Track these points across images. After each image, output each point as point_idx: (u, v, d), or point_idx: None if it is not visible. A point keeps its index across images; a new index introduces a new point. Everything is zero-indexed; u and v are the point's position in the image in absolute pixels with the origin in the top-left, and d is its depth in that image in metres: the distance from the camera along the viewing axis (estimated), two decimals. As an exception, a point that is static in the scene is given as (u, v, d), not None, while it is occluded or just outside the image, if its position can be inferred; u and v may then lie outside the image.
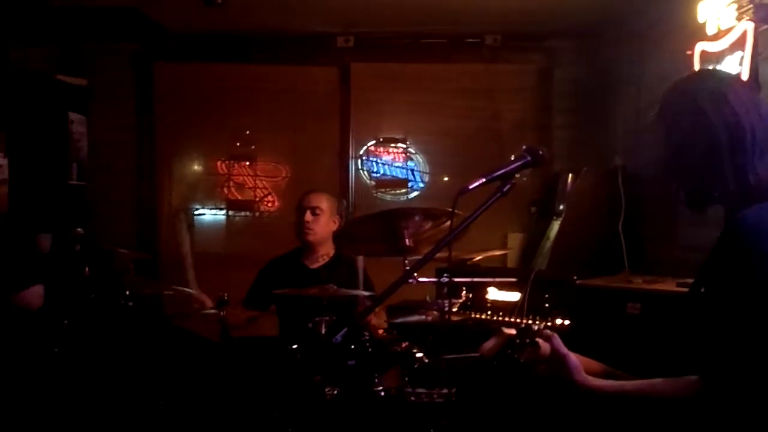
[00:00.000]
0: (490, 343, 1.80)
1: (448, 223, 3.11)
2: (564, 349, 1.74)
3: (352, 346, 2.95)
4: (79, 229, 4.13)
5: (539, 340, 1.73)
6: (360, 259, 3.53)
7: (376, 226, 3.12)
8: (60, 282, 4.25)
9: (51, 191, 5.13)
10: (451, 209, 2.14)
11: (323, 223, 3.73)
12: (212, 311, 3.30)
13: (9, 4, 4.60)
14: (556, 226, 4.83)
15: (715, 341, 1.56)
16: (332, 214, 3.78)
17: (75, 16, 5.05)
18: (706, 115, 1.69)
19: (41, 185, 4.99)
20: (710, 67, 3.40)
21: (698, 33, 3.60)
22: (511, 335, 1.75)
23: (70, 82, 5.48)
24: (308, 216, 3.71)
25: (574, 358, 1.74)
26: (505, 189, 2.03)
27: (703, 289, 1.65)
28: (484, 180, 2.03)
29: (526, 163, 2.07)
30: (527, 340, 1.72)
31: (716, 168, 1.68)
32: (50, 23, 5.19)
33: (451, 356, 2.75)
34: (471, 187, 2.00)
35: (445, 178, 5.85)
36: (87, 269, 3.76)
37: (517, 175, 2.06)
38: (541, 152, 2.09)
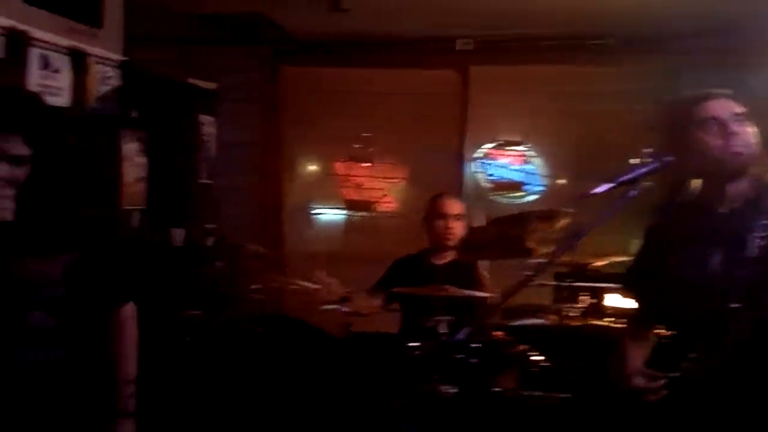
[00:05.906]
0: None
1: (564, 223, 3.12)
2: None
3: (472, 346, 2.99)
4: (211, 225, 4.31)
5: None
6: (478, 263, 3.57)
7: (495, 230, 3.14)
8: (192, 274, 4.50)
9: (183, 189, 5.41)
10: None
11: (462, 227, 3.83)
12: (334, 306, 3.40)
13: (146, 11, 4.87)
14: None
15: None
16: (465, 217, 3.89)
17: (206, 21, 5.32)
18: None
19: (174, 183, 5.27)
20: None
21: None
22: None
23: (201, 85, 5.76)
24: (452, 222, 3.79)
25: None
26: (631, 195, 2.01)
27: None
28: (611, 186, 2.02)
29: (654, 169, 2.06)
30: None
31: None
32: (182, 29, 5.49)
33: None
34: (595, 192, 2.00)
35: (564, 181, 5.78)
36: (217, 264, 3.95)
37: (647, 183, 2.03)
38: (668, 158, 2.07)
